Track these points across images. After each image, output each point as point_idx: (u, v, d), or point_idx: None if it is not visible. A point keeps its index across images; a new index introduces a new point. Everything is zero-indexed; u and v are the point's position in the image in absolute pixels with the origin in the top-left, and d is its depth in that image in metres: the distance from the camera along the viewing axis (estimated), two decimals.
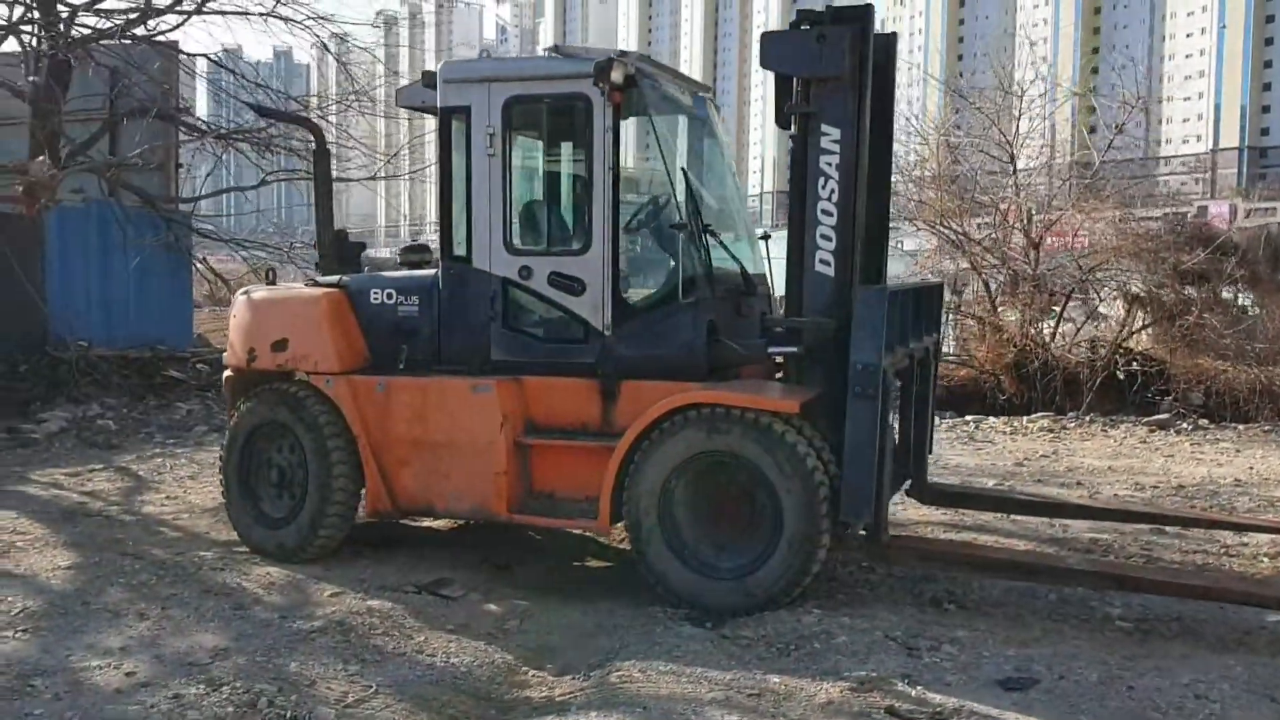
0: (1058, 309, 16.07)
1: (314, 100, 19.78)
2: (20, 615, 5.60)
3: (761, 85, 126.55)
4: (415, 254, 7.37)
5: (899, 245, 18.35)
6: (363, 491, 6.66)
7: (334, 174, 10.17)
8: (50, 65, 15.62)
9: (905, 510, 7.85)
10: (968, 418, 14.17)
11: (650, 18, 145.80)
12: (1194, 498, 8.92)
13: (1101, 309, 16.67)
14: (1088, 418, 13.87)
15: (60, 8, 15.64)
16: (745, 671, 4.84)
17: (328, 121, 16.15)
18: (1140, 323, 15.94)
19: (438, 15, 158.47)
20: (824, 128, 5.98)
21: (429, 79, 6.65)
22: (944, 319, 16.43)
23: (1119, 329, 15.83)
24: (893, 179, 17.14)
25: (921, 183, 16.71)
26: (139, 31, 16.50)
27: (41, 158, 15.51)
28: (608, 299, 6.19)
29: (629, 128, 6.38)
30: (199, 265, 18.63)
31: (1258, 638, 5.45)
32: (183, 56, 17.28)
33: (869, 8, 6.03)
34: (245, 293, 7.14)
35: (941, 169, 16.35)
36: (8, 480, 9.11)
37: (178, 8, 16.38)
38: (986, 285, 16.71)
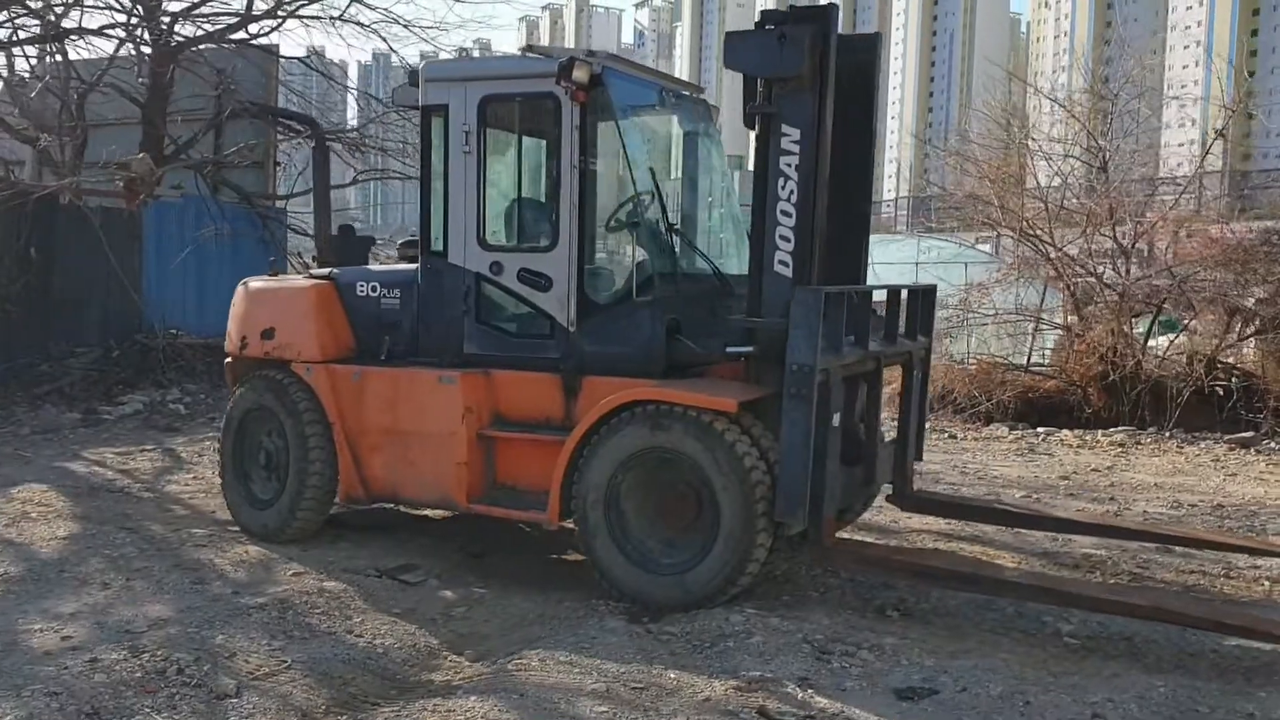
0: (1149, 320, 15.52)
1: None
2: None
3: (899, 89, 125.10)
4: (413, 248, 7.56)
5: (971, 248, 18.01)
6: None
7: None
8: (154, 69, 16.47)
9: (909, 519, 7.74)
10: (1040, 430, 13.84)
11: None
12: (1227, 518, 8.56)
13: (1194, 323, 16.04)
14: (1168, 433, 13.39)
15: (163, 17, 16.42)
16: (645, 666, 4.88)
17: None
18: (1237, 335, 15.31)
19: (577, 20, 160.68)
20: (784, 128, 5.96)
21: (416, 79, 6.84)
22: (1033, 329, 16.19)
23: (1216, 342, 15.20)
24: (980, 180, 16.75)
25: (1005, 188, 16.30)
26: (240, 35, 17.31)
27: (142, 154, 16.35)
28: (573, 295, 6.28)
29: (609, 128, 6.45)
30: (293, 260, 19.33)
31: (1202, 660, 5.23)
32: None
33: (831, 7, 6.00)
34: (244, 283, 7.45)
35: (1026, 173, 15.91)
36: (60, 457, 9.67)
37: (278, 12, 17.10)
38: (1074, 295, 16.23)
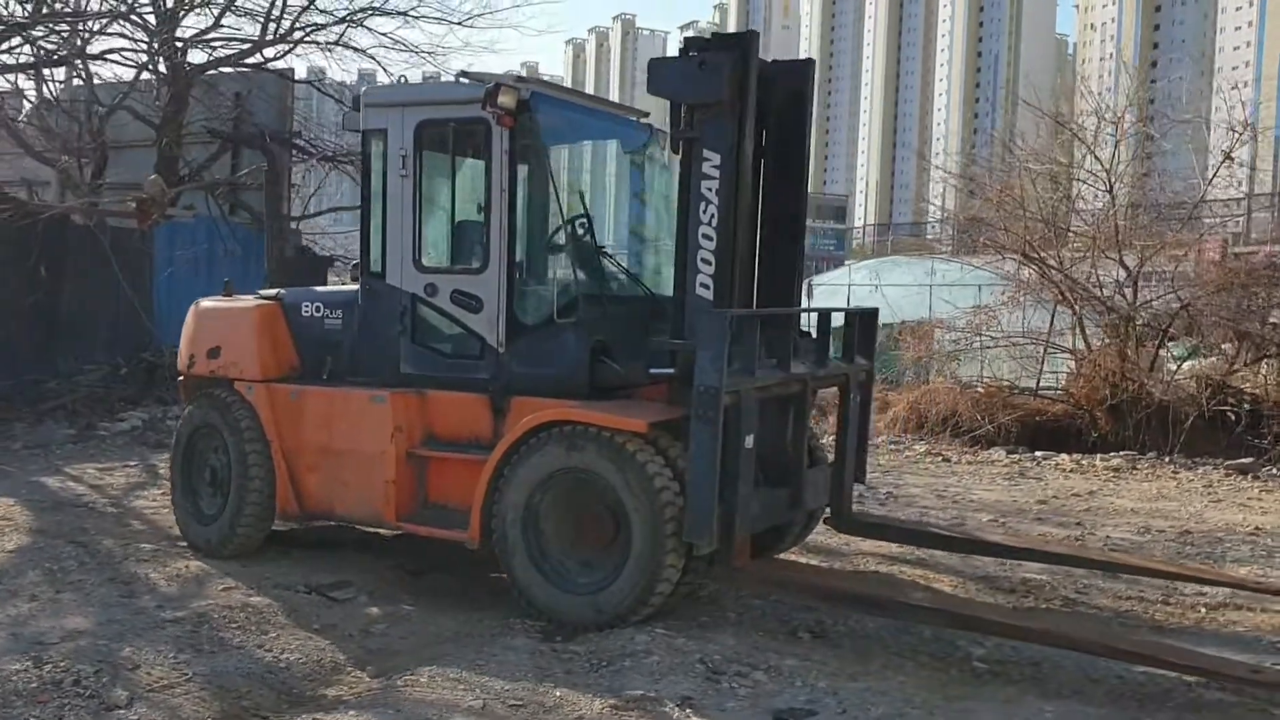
0: (1155, 344, 15.36)
1: None
2: None
3: (945, 94, 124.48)
4: None
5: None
6: None
7: None
8: (170, 92, 16.85)
9: (862, 543, 7.72)
10: (1038, 454, 13.74)
11: (832, 42, 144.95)
12: (1189, 544, 8.48)
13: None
14: (1168, 459, 13.25)
15: (177, 42, 16.78)
16: (534, 684, 4.93)
17: None
18: (1245, 360, 15.12)
19: (623, 43, 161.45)
20: (705, 153, 6.03)
21: (359, 104, 6.97)
22: (1043, 353, 16.04)
23: (1226, 366, 15.03)
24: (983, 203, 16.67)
25: (1006, 209, 16.23)
26: (254, 60, 17.67)
27: (154, 175, 16.70)
28: (502, 316, 6.37)
29: (538, 153, 6.54)
30: None
31: (1101, 686, 5.19)
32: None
33: (751, 34, 6.07)
34: (196, 303, 7.61)
35: (1027, 196, 15.82)
36: (42, 471, 9.90)
37: (290, 37, 17.43)
38: (1079, 319, 16.10)
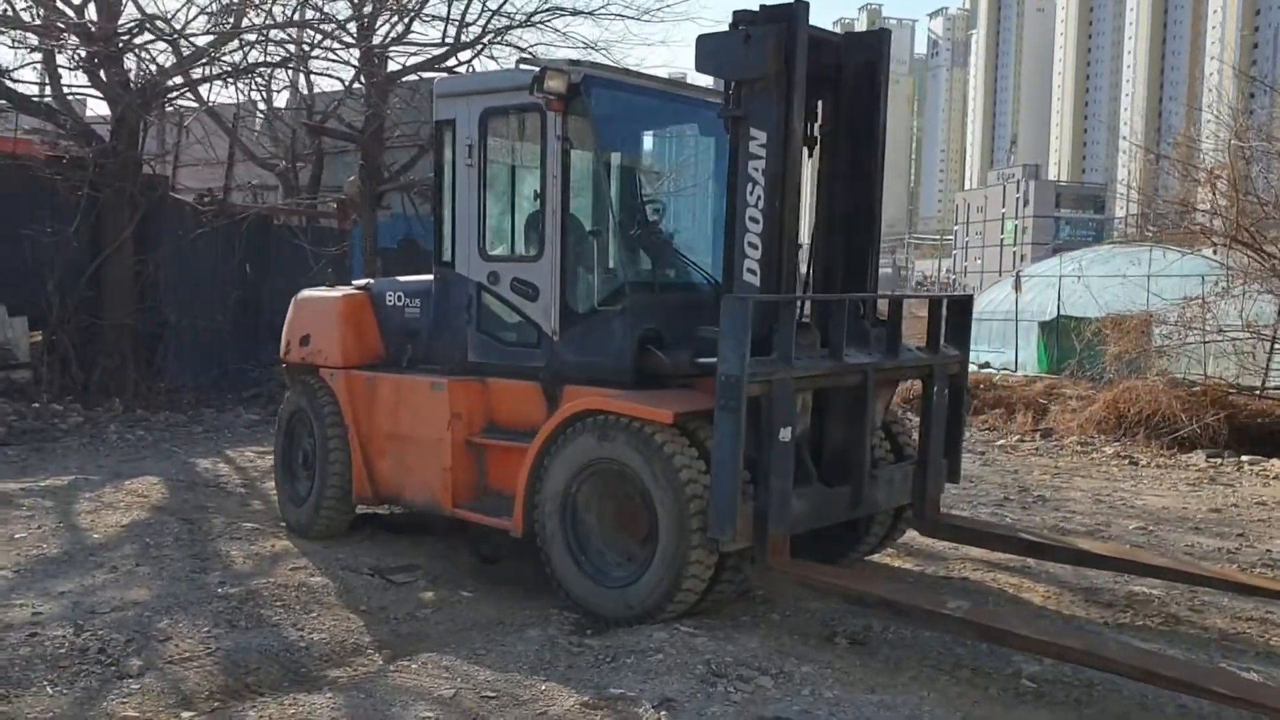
0: None
1: None
2: (34, 558, 6.60)
3: (1216, 74, 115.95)
4: None
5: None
6: None
7: None
8: (370, 98, 17.65)
9: (970, 549, 7.23)
10: (1243, 458, 12.61)
11: (1090, 24, 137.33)
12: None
13: None
14: None
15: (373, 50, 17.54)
16: (523, 676, 4.84)
17: None
18: None
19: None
20: (752, 131, 5.77)
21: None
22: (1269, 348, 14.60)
23: None
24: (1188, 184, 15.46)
25: (1220, 192, 14.87)
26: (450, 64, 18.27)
27: (353, 178, 17.58)
28: (556, 304, 6.30)
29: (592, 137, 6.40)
30: None
31: (1154, 715, 4.64)
32: None
33: (800, 5, 5.73)
34: (299, 293, 7.91)
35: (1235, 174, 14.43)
36: (205, 453, 10.56)
37: (481, 40, 17.91)
38: None
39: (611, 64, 6.71)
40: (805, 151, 6.50)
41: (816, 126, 6.43)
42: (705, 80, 7.35)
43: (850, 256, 6.38)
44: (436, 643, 5.51)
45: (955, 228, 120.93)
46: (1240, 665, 5.33)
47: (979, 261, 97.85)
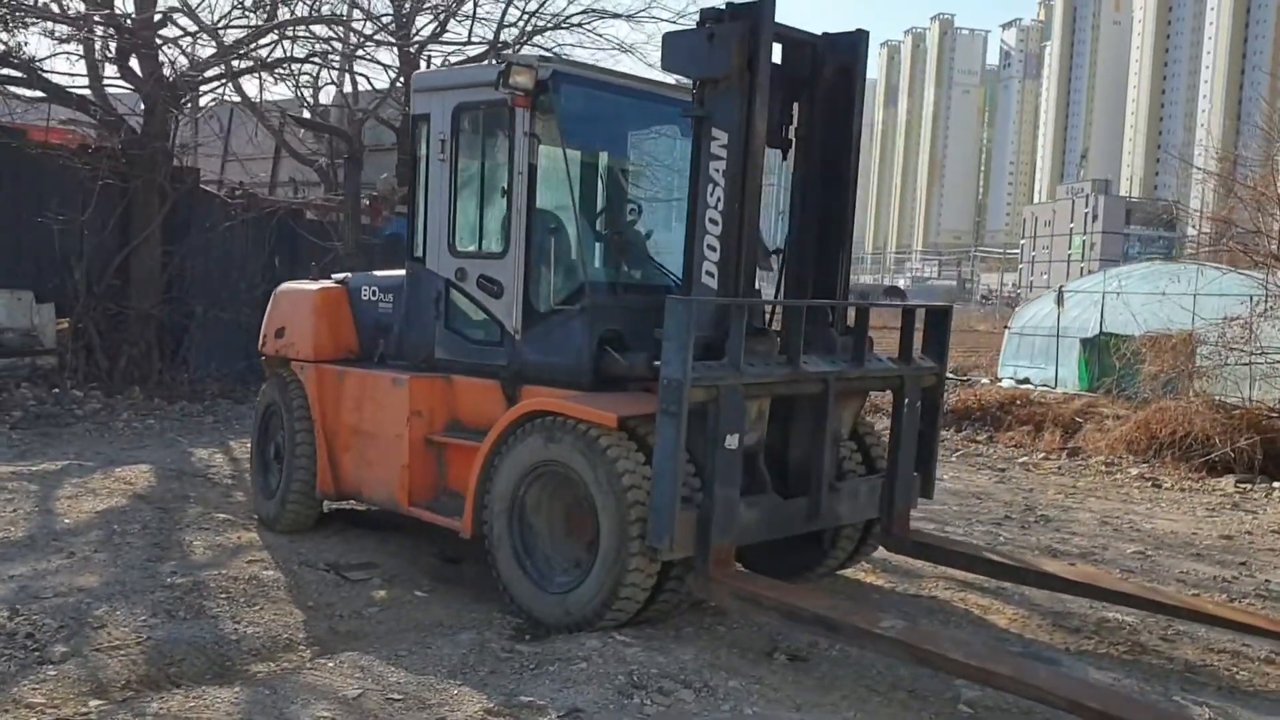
0: None
1: None
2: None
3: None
4: None
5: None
6: None
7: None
8: (408, 95, 17.71)
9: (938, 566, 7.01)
10: (1276, 484, 12.13)
11: (1168, 36, 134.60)
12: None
13: None
14: None
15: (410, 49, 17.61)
16: (438, 680, 4.75)
17: None
18: None
19: (940, 42, 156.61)
20: (714, 132, 5.65)
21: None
22: None
23: None
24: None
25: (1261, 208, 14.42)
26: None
27: (386, 175, 17.69)
28: (519, 302, 6.22)
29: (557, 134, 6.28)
30: None
31: None
32: None
33: (764, 3, 5.58)
34: (278, 286, 7.91)
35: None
36: (207, 443, 10.62)
37: (518, 42, 17.92)
38: None
39: (585, 62, 6.55)
40: (782, 155, 6.40)
41: (792, 129, 6.31)
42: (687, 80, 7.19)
43: (821, 263, 6.23)
44: (371, 642, 5.44)
45: (1022, 241, 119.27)
46: (1196, 699, 5.09)
47: (1045, 277, 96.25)
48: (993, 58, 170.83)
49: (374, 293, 7.23)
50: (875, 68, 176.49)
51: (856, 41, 6.14)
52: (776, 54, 6.28)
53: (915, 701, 4.90)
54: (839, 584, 6.78)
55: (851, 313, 6.23)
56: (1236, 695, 5.25)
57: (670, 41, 5.84)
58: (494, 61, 6.66)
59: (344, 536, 7.26)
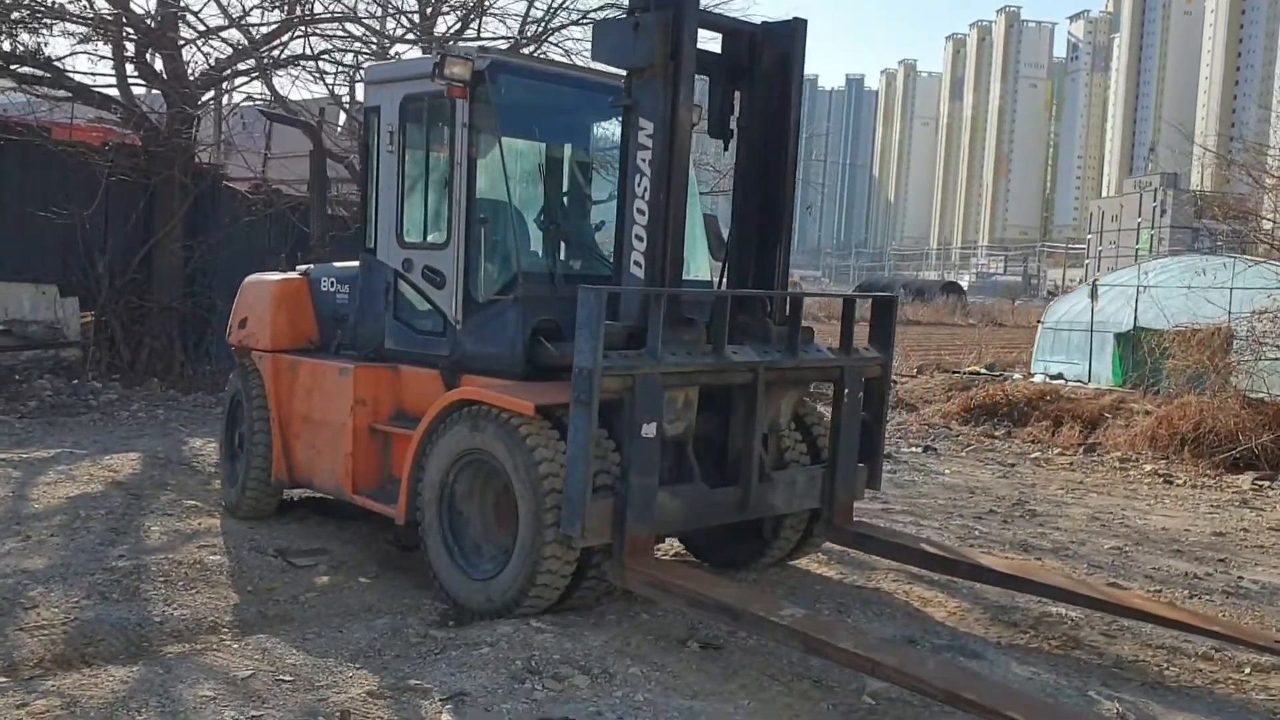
0: None
1: None
2: None
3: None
4: None
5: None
6: None
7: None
8: None
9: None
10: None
11: (1241, 26, 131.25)
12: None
13: None
14: None
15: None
16: (337, 663, 4.83)
17: None
18: None
19: (1006, 35, 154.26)
20: (640, 121, 5.65)
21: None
22: None
23: None
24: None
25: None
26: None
27: None
28: (458, 292, 6.26)
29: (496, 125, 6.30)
30: None
31: None
32: None
33: None
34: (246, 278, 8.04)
35: None
36: (206, 433, 10.79)
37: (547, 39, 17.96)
38: None
39: (529, 54, 6.57)
40: (724, 145, 6.40)
41: (734, 119, 6.30)
42: None
43: (760, 253, 6.21)
44: (296, 626, 5.53)
45: (1089, 236, 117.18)
46: (1113, 693, 5.01)
47: (1112, 272, 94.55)
48: (1059, 50, 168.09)
49: (332, 284, 7.33)
50: (940, 62, 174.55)
51: (794, 30, 6.11)
52: (716, 44, 6.31)
53: (817, 691, 4.87)
54: (786, 574, 6.74)
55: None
56: (1159, 691, 5.15)
57: (599, 31, 5.85)
58: (437, 53, 6.66)
59: (304, 524, 7.37)
